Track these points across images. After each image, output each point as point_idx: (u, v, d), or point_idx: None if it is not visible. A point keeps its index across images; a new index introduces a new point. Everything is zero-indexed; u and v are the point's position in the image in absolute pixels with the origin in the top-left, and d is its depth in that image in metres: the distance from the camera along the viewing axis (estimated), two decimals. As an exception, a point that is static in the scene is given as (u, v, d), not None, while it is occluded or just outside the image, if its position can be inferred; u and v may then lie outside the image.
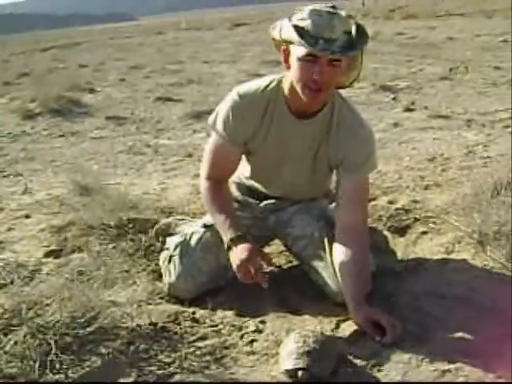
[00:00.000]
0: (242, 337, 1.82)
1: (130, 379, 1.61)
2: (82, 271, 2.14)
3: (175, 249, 2.14)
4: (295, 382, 1.58)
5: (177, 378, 1.62)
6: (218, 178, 2.11)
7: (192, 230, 2.20)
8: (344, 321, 1.87)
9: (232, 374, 1.64)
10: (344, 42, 1.73)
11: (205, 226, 2.17)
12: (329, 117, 1.99)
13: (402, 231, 2.51)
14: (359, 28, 1.77)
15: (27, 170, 4.19)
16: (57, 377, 1.59)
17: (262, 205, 2.26)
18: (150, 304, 2.00)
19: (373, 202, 2.81)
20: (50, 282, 2.03)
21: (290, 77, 1.88)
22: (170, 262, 2.13)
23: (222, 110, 2.02)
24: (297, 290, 2.13)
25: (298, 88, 1.84)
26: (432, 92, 6.39)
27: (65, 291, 1.84)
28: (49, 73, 10.51)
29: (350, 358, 1.68)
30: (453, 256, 2.24)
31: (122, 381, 1.60)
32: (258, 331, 1.84)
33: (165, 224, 2.50)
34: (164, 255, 2.20)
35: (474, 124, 4.68)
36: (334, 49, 1.71)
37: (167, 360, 1.69)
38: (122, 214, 2.66)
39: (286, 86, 1.95)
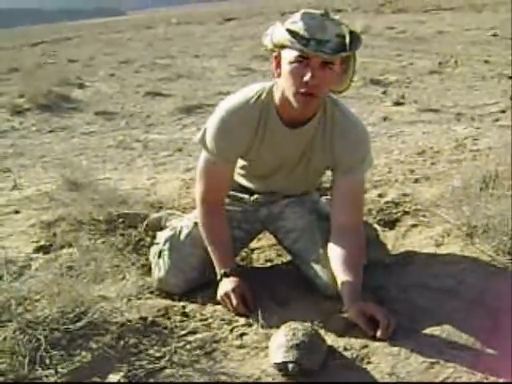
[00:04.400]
0: (231, 330, 1.82)
1: (120, 374, 1.60)
2: (72, 266, 2.12)
3: (165, 243, 2.14)
4: (285, 375, 1.59)
5: (167, 372, 1.62)
6: (215, 200, 2.07)
7: (182, 224, 2.19)
8: (333, 314, 1.87)
9: (222, 367, 1.64)
10: (336, 44, 1.72)
11: (191, 219, 2.17)
12: (321, 122, 1.97)
13: (391, 224, 2.53)
14: (352, 32, 1.75)
15: (16, 165, 4.17)
16: (46, 372, 1.58)
17: (253, 198, 2.23)
18: (140, 298, 2.00)
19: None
20: (40, 277, 2.01)
21: (281, 84, 1.85)
22: (159, 256, 2.13)
23: (211, 128, 1.97)
24: (286, 284, 2.13)
25: (290, 94, 1.81)
26: (422, 86, 6.41)
27: (54, 286, 1.83)
28: (38, 68, 10.44)
29: (340, 350, 1.69)
30: (442, 249, 2.25)
31: (112, 375, 1.60)
32: (248, 325, 1.84)
33: (155, 218, 2.50)
34: (154, 250, 2.20)
35: (463, 117, 4.70)
36: (326, 50, 1.70)
37: (157, 354, 1.69)
38: (112, 208, 2.66)
39: (276, 96, 1.92)
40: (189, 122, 5.39)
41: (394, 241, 2.40)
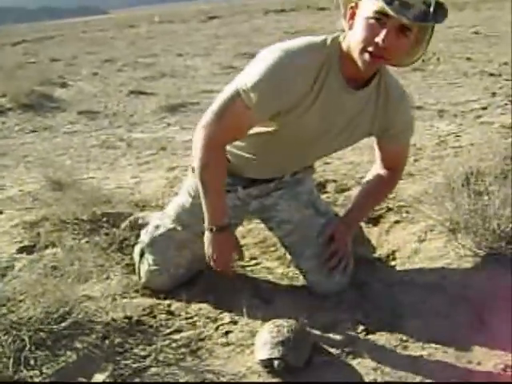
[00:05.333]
0: (217, 328, 1.83)
1: (106, 373, 1.60)
2: (56, 266, 2.11)
3: (148, 246, 2.09)
4: (271, 372, 1.59)
5: (152, 370, 1.62)
6: (223, 144, 1.83)
7: (158, 223, 2.12)
8: (318, 310, 1.89)
9: (208, 365, 1.64)
10: (420, 10, 1.56)
11: (175, 220, 2.08)
12: (378, 86, 1.82)
13: (375, 221, 2.54)
14: (438, 3, 1.60)
15: (-1, 165, 4.13)
16: (31, 373, 1.57)
17: (245, 191, 2.06)
18: (125, 297, 1.99)
19: (346, 193, 2.83)
20: (24, 277, 2.00)
21: (350, 38, 1.67)
22: (142, 256, 2.11)
23: (263, 74, 1.66)
24: (271, 281, 2.14)
25: (357, 51, 1.63)
26: (405, 83, 6.41)
27: (38, 287, 1.82)
28: (20, 67, 10.33)
29: (325, 346, 1.70)
30: (425, 244, 2.26)
31: (97, 375, 1.60)
32: (233, 322, 1.85)
33: (139, 217, 2.49)
34: (137, 249, 2.17)
35: (445, 114, 4.73)
36: (408, 14, 1.54)
37: (143, 353, 1.69)
38: (96, 208, 2.64)
39: (344, 47, 1.71)
40: (172, 120, 5.37)
41: (377, 237, 2.42)
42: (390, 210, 2.60)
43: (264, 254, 2.37)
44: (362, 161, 3.34)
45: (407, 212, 2.55)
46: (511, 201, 2.20)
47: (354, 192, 2.17)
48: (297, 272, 2.14)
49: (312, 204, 2.13)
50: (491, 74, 6.48)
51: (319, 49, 1.71)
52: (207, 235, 1.89)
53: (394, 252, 2.27)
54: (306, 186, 2.16)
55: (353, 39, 1.64)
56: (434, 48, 9.08)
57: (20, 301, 1.80)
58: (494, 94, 5.36)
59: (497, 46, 8.98)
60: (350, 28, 1.66)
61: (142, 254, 2.11)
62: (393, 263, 2.20)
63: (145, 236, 2.14)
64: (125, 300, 1.97)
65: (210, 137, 1.75)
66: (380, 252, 2.30)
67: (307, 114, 1.75)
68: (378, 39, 1.57)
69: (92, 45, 15.31)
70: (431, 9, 1.57)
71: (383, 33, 1.56)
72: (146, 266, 2.08)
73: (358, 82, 1.76)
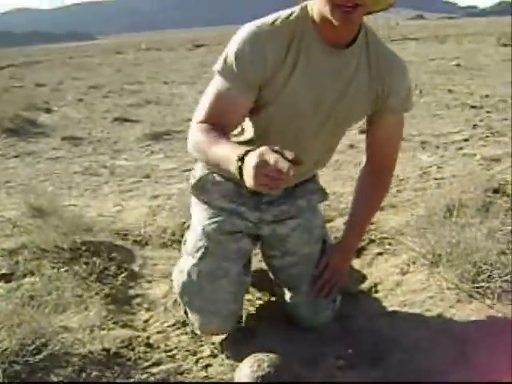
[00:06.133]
0: (196, 362, 1.80)
1: (82, 407, 1.56)
2: (34, 296, 2.07)
3: (182, 297, 1.90)
4: (250, 407, 1.56)
5: (130, 405, 1.59)
6: (212, 121, 1.66)
7: (181, 267, 1.93)
8: (300, 342, 1.87)
9: (186, 400, 1.61)
10: None
11: (198, 250, 1.85)
12: (364, 49, 1.71)
13: (357, 252, 2.53)
14: None
15: (-21, 190, 4.08)
16: (4, 407, 1.53)
17: (257, 215, 1.90)
18: (103, 329, 1.95)
19: (329, 224, 2.82)
20: (0, 307, 1.97)
21: (316, 3, 1.60)
22: (187, 313, 1.94)
23: (234, 46, 1.63)
24: (253, 313, 2.12)
25: (327, 11, 1.54)
26: (388, 114, 6.50)
27: (15, 317, 1.79)
28: (5, 91, 10.32)
29: (306, 380, 1.68)
30: (408, 277, 2.26)
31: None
32: (213, 356, 1.82)
33: None
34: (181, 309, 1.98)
35: (428, 146, 4.78)
36: None
37: (120, 387, 1.65)
38: (76, 236, 2.61)
39: (314, 13, 1.64)
40: (157, 148, 5.36)
41: (360, 269, 2.41)
42: (372, 241, 2.60)
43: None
44: (345, 192, 3.35)
45: (390, 244, 2.55)
46: (493, 233, 2.22)
47: (349, 210, 2.08)
48: (278, 303, 2.11)
49: (321, 238, 2.03)
50: (472, 107, 6.58)
51: (287, 18, 1.65)
52: (241, 176, 1.41)
53: (376, 284, 2.26)
54: (320, 218, 2.08)
55: (320, 2, 1.57)
56: (416, 80, 9.23)
57: (-5, 331, 1.76)
58: (475, 126, 5.44)
59: (478, 78, 9.16)
60: None
61: (185, 312, 1.95)
62: (375, 296, 2.19)
63: (177, 287, 1.95)
64: (103, 332, 1.92)
65: (199, 118, 1.67)
66: (363, 284, 2.29)
67: (290, 81, 1.66)
68: (345, 2, 1.49)
69: (79, 70, 15.38)
70: None
71: None
72: (194, 321, 1.90)
73: (343, 44, 1.67)
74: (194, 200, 1.98)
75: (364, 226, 2.09)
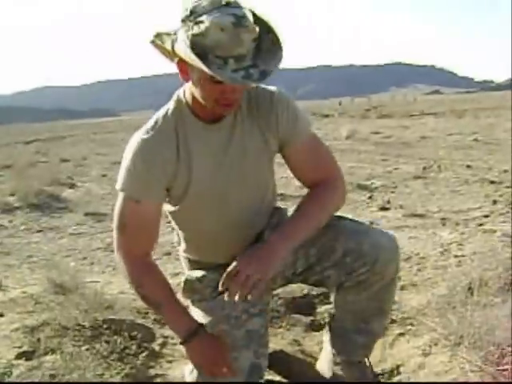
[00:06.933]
0: None
1: None
2: (55, 375, 2.08)
3: None
4: None
5: None
6: (145, 252, 1.75)
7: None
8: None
9: None
10: (256, 72, 1.46)
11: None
12: (248, 101, 1.74)
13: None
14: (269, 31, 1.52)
15: (2, 265, 4.15)
16: None
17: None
18: (123, 410, 1.94)
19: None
20: (21, 386, 1.97)
21: (194, 91, 1.62)
22: None
23: (127, 162, 1.69)
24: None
25: (207, 105, 1.60)
26: (407, 191, 6.55)
27: (35, 397, 1.79)
28: (30, 166, 10.61)
29: None
30: (430, 358, 2.23)
31: None
32: None
33: None
34: None
35: (448, 222, 4.77)
36: (248, 81, 1.46)
37: None
38: (97, 314, 2.62)
39: (188, 98, 1.68)
40: (178, 223, 5.42)
41: (381, 350, 2.38)
42: (393, 321, 2.57)
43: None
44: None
45: (411, 324, 2.52)
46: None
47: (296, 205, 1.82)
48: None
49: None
50: (492, 182, 6.60)
51: (164, 117, 1.69)
52: (185, 350, 1.73)
53: (398, 366, 2.23)
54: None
55: (199, 95, 1.59)
56: (434, 155, 9.33)
57: (15, 412, 1.76)
58: (495, 202, 5.44)
59: (496, 153, 9.22)
60: (187, 81, 1.61)
61: None
62: (397, 378, 2.16)
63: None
64: (123, 413, 1.92)
65: (125, 252, 1.73)
66: (384, 366, 2.26)
67: (193, 173, 1.70)
68: (226, 96, 1.53)
69: (102, 146, 15.79)
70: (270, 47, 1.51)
71: (229, 89, 1.52)
72: None
73: (220, 117, 1.70)
74: (189, 303, 1.98)
75: (309, 221, 1.75)
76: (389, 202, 5.80)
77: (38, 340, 2.49)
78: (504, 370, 2.02)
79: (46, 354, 2.37)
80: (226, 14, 1.43)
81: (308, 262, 1.92)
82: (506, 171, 7.26)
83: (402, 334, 2.47)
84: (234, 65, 1.44)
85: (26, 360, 2.34)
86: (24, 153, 15.36)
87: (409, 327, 2.51)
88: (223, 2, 1.46)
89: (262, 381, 1.79)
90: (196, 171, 1.70)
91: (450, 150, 9.98)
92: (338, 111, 25.12)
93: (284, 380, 2.18)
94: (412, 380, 2.11)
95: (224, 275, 1.59)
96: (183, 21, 1.49)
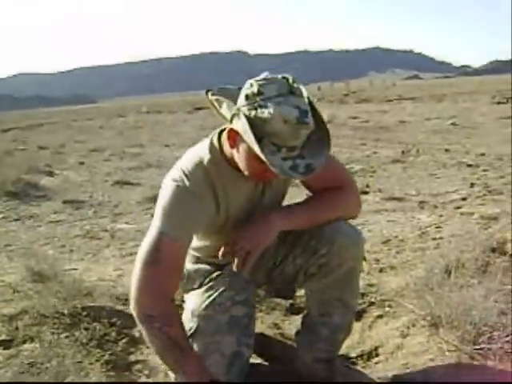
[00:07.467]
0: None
1: None
2: (33, 363, 2.07)
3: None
4: None
5: None
6: (172, 289, 1.71)
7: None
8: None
9: None
10: (303, 166, 1.54)
11: (189, 330, 1.82)
12: None
13: (357, 315, 2.53)
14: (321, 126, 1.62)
15: (-20, 254, 4.10)
16: None
17: None
18: (103, 397, 1.94)
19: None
20: (-1, 374, 1.96)
21: (235, 156, 1.68)
22: None
23: (168, 205, 1.70)
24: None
25: (245, 173, 1.67)
26: (385, 174, 6.60)
27: (14, 385, 1.78)
28: (8, 154, 10.47)
29: None
30: (408, 339, 2.25)
31: None
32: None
33: None
34: None
35: (426, 205, 4.82)
36: (295, 173, 1.53)
37: None
38: (76, 301, 2.61)
39: (227, 153, 1.73)
40: (157, 210, 5.40)
41: (360, 332, 2.41)
42: (372, 304, 2.60)
43: None
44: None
45: (390, 306, 2.55)
46: (492, 293, 2.22)
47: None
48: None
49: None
50: (469, 165, 6.68)
51: (201, 166, 1.73)
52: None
53: (376, 348, 2.25)
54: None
55: (240, 163, 1.66)
56: (413, 139, 9.39)
57: (-7, 401, 1.75)
58: (472, 185, 5.51)
59: (473, 136, 9.32)
60: (232, 148, 1.67)
61: None
62: (376, 359, 2.18)
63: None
64: (103, 399, 1.91)
65: (155, 288, 1.66)
66: (363, 348, 2.28)
67: (231, 206, 1.78)
68: (265, 178, 1.66)
69: (80, 133, 15.62)
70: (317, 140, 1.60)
71: (269, 171, 1.53)
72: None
73: None
74: (186, 296, 2.03)
75: (312, 213, 1.85)
76: (368, 185, 5.84)
77: (17, 328, 2.47)
78: (480, 348, 2.05)
79: (24, 342, 2.35)
80: (292, 106, 1.51)
81: (285, 249, 1.95)
82: (482, 154, 7.34)
83: (380, 316, 2.49)
84: (285, 153, 1.51)
85: (5, 349, 2.32)
86: (1, 141, 15.16)
87: (387, 309, 2.54)
88: (289, 90, 1.54)
89: (244, 372, 1.80)
90: (232, 218, 1.80)
91: (428, 134, 10.06)
92: (317, 96, 25.09)
93: (265, 363, 2.19)
94: (390, 361, 2.13)
95: (223, 246, 1.75)
96: (247, 97, 1.55)
